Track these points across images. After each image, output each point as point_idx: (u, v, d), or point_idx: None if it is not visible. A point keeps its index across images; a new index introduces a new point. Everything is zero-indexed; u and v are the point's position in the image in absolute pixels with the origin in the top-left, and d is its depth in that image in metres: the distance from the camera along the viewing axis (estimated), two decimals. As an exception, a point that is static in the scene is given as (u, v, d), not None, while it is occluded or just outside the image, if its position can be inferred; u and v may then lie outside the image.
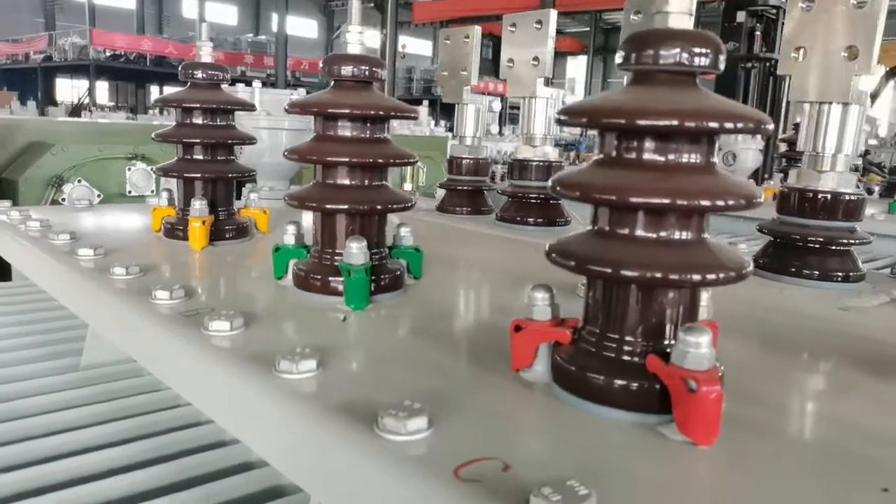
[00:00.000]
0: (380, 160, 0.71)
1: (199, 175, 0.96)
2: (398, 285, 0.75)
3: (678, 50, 0.44)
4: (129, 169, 2.65)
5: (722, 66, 0.44)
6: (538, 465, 0.39)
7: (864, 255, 1.66)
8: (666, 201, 0.43)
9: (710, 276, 0.44)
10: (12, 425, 0.70)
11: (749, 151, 2.95)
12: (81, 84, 21.30)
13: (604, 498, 0.34)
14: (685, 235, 0.45)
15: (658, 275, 0.44)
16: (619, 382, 0.46)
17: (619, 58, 0.46)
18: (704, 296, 0.53)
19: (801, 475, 0.40)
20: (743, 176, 2.82)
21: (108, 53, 19.74)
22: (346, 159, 0.70)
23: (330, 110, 0.70)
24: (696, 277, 0.44)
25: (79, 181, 2.54)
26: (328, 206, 0.71)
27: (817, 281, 0.91)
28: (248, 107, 1.00)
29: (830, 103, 0.90)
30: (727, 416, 0.46)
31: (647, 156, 0.44)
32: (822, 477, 0.40)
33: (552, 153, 1.26)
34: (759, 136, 2.97)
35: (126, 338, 0.69)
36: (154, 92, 24.89)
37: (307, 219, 0.80)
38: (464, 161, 1.39)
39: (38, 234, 0.97)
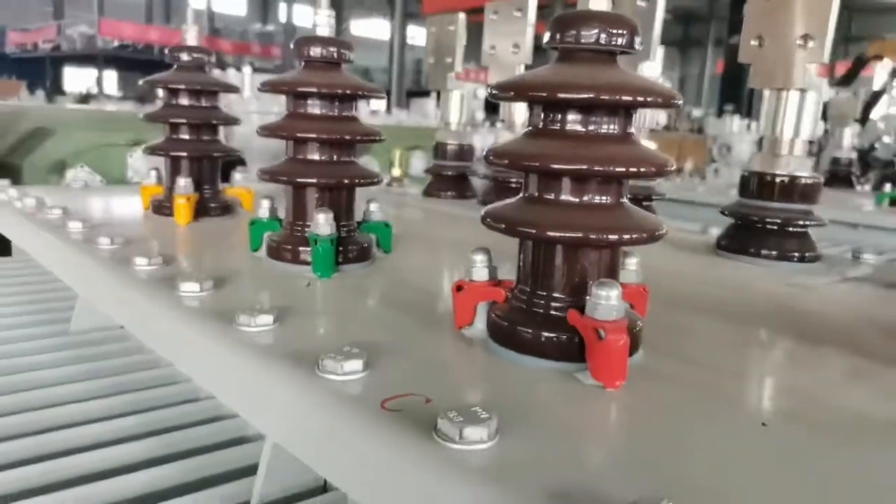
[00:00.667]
0: (346, 136, 0.75)
1: (184, 154, 1.00)
2: (366, 257, 0.79)
3: (597, 30, 0.48)
4: (131, 155, 2.70)
5: (637, 47, 0.49)
6: (456, 400, 0.44)
7: (849, 245, 1.68)
8: (585, 167, 0.47)
9: (626, 237, 0.49)
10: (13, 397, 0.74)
11: (744, 144, 2.98)
12: (89, 74, 21.39)
13: (504, 421, 0.38)
14: (604, 200, 0.49)
15: (579, 235, 0.48)
16: (544, 335, 0.50)
17: (546, 38, 0.50)
18: (633, 260, 0.58)
19: (691, 416, 0.44)
20: (738, 167, 2.85)
21: (116, 43, 19.85)
22: (315, 135, 0.74)
23: (299, 89, 0.74)
24: (613, 237, 0.48)
25: (81, 166, 2.60)
26: (298, 180, 0.75)
27: (775, 261, 0.95)
28: (232, 89, 1.04)
29: (788, 90, 0.94)
30: (645, 368, 0.50)
31: (569, 126, 0.49)
32: (711, 417, 0.44)
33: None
34: (754, 130, 3.01)
35: (108, 302, 0.74)
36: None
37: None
38: (448, 147, 1.43)
39: (33, 210, 1.02)
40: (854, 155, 2.83)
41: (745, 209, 0.98)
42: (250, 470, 0.57)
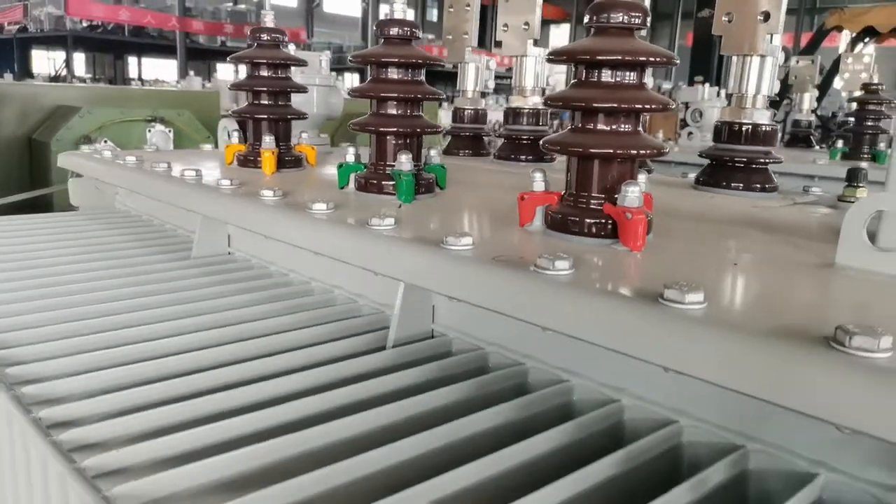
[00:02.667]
0: (418, 95, 0.98)
1: (265, 116, 1.22)
2: (431, 190, 1.03)
3: (621, 13, 0.71)
4: (149, 130, 2.89)
5: (647, 25, 0.73)
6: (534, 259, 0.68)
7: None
8: (615, 105, 0.72)
9: (643, 152, 0.73)
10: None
11: (714, 109, 3.25)
12: (58, 56, 21.02)
13: (578, 268, 0.63)
14: (627, 128, 0.74)
15: (610, 151, 0.73)
16: (587, 221, 0.74)
17: (585, 19, 0.74)
18: (642, 176, 0.82)
19: (688, 262, 0.69)
20: (709, 131, 3.12)
21: (84, 24, 19.53)
22: (395, 95, 0.97)
23: (383, 59, 0.97)
24: (634, 152, 0.73)
25: (105, 141, 2.77)
26: (382, 130, 0.99)
27: (742, 191, 1.21)
28: (301, 63, 1.26)
29: (751, 55, 1.19)
30: (655, 243, 0.75)
31: (603, 79, 0.73)
32: (700, 261, 0.69)
33: (540, 102, 1.53)
34: (723, 97, 3.27)
35: (246, 222, 0.97)
36: (132, 63, 24.60)
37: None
38: (466, 111, 1.66)
39: (137, 164, 1.24)
40: (813, 117, 3.11)
41: (719, 151, 1.23)
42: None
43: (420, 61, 0.98)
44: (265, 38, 1.21)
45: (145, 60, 24.74)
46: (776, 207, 1.11)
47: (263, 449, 0.51)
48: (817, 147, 3.04)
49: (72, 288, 0.86)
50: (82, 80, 14.72)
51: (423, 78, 1.01)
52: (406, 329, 0.77)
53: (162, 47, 21.94)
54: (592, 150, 0.73)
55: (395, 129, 0.98)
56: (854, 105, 2.43)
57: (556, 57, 0.74)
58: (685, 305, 0.52)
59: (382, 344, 0.78)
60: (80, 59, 22.63)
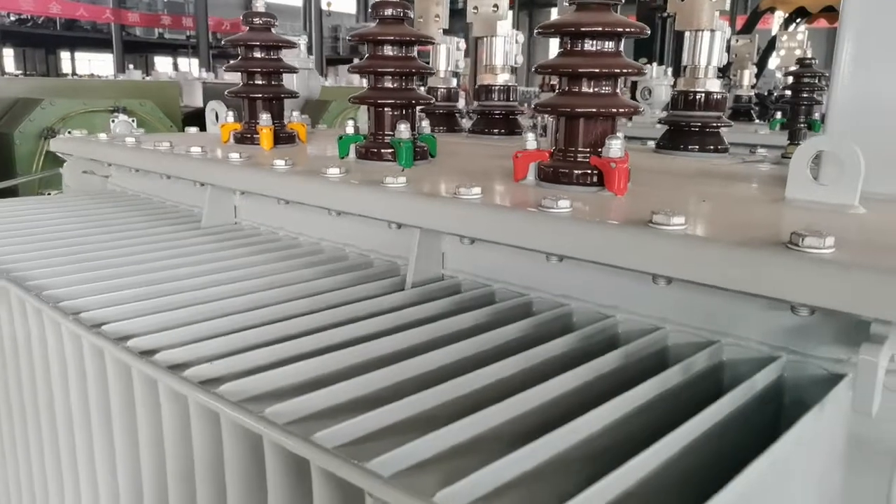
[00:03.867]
0: (412, 70, 1.08)
1: (260, 95, 1.30)
2: (425, 157, 1.13)
3: (601, -9, 0.83)
4: (113, 120, 2.88)
5: (621, 1, 0.84)
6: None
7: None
8: (596, 70, 0.83)
9: (622, 111, 0.85)
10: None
11: (662, 87, 3.43)
12: (-14, 51, 20.10)
13: (575, 208, 0.74)
14: (607, 90, 0.85)
15: (594, 110, 0.84)
16: (577, 172, 0.86)
17: (571, -4, 0.85)
18: (620, 133, 0.94)
19: (665, 201, 0.81)
20: (658, 108, 3.30)
21: (13, 18, 18.77)
22: (392, 70, 1.07)
23: (379, 38, 1.06)
24: (614, 111, 0.85)
25: (68, 132, 2.77)
26: (380, 102, 1.08)
27: (697, 153, 1.35)
28: (291, 45, 1.34)
29: (702, 31, 1.32)
30: (632, 189, 0.87)
31: (586, 48, 0.84)
32: (675, 200, 0.81)
33: (510, 79, 1.65)
34: (669, 75, 3.45)
35: (263, 189, 1.05)
36: (65, 58, 23.73)
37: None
38: (439, 90, 1.76)
39: (138, 144, 1.30)
40: (753, 93, 3.32)
41: (676, 118, 1.37)
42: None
43: (412, 38, 1.08)
44: (258, 21, 1.29)
45: (79, 55, 23.90)
46: (729, 164, 1.25)
47: (377, 376, 0.60)
48: (757, 121, 3.25)
49: (118, 261, 0.93)
50: (14, 76, 14.17)
51: (415, 54, 1.10)
52: (420, 274, 0.88)
53: (96, 41, 21.21)
54: (579, 110, 0.85)
55: (392, 101, 1.08)
56: (790, 79, 2.61)
57: (544, 30, 0.85)
58: (671, 227, 0.64)
59: (400, 287, 0.88)
60: (9, 54, 21.71)
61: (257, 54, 1.30)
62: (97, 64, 22.92)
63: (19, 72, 20.68)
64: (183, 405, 0.60)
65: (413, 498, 0.41)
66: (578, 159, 0.87)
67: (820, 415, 0.54)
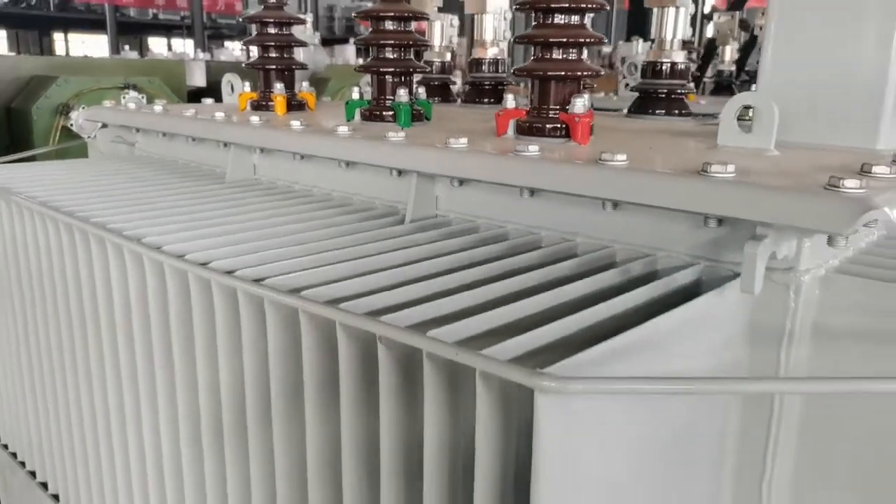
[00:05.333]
0: (410, 42, 1.25)
1: (275, 67, 1.46)
2: (421, 119, 1.29)
3: (567, -28, 0.99)
4: (124, 97, 3.03)
5: (586, -20, 1.00)
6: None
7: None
8: (565, 40, 1.00)
9: (587, 73, 1.02)
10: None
11: (648, 64, 3.60)
12: (-21, 33, 20.02)
13: (545, 148, 0.91)
14: (574, 56, 1.02)
15: (563, 73, 1.01)
16: (548, 126, 1.02)
17: (541, -23, 1.01)
18: (586, 94, 1.10)
19: (619, 148, 0.98)
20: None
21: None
22: (392, 42, 1.23)
23: (381, 14, 1.23)
24: (579, 73, 1.01)
25: (83, 108, 2.92)
26: (382, 70, 1.25)
27: (664, 117, 1.51)
28: (301, 21, 1.50)
29: (668, 7, 1.48)
30: (595, 141, 1.03)
31: (555, 21, 1.00)
32: (627, 148, 0.98)
33: (499, 52, 1.81)
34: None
35: (283, 146, 1.21)
36: (59, 40, 23.65)
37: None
38: (434, 63, 1.92)
39: (162, 111, 1.46)
40: (734, 67, 3.48)
41: (645, 86, 1.53)
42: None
43: (409, 14, 1.24)
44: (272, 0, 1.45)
45: (73, 36, 23.80)
46: (688, 125, 1.42)
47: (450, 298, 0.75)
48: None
49: (166, 209, 1.10)
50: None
51: (413, 28, 1.27)
52: (417, 213, 1.05)
53: (90, 22, 21.13)
54: (549, 73, 1.01)
55: (392, 69, 1.25)
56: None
57: (521, 6, 1.02)
58: (615, 162, 0.81)
59: (400, 223, 1.05)
60: (1, 36, 21.64)
61: (272, 30, 1.46)
62: (91, 45, 22.85)
63: (13, 53, 20.61)
64: (294, 321, 0.74)
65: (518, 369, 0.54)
66: (549, 115, 1.04)
67: (718, 297, 0.71)
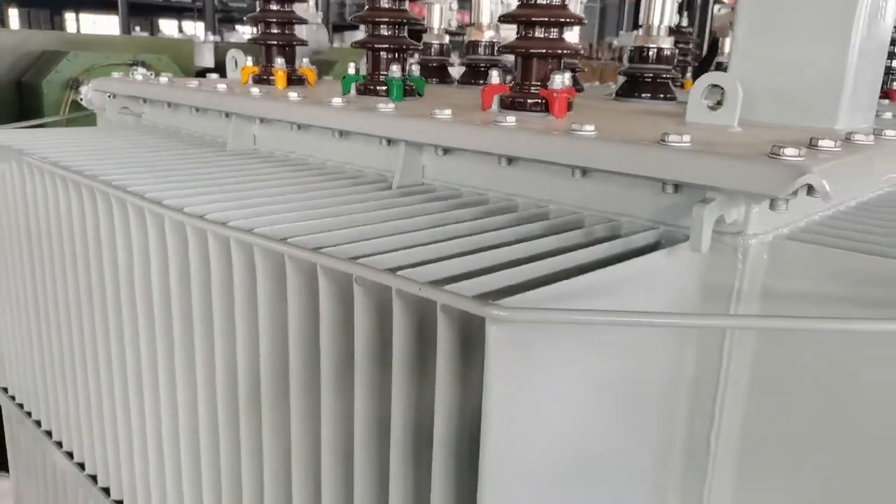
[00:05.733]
0: (403, 20, 1.31)
1: (276, 42, 1.53)
2: (413, 94, 1.36)
3: (550, -45, 1.05)
4: (132, 73, 3.10)
5: (568, -37, 1.06)
6: (497, 120, 1.02)
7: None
8: (547, 19, 1.06)
9: (566, 51, 1.08)
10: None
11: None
12: (-8, 11, 20.06)
13: (522, 120, 0.97)
14: (554, 35, 1.08)
15: (544, 51, 1.07)
16: (529, 101, 1.09)
17: (526, -41, 1.07)
18: (567, 72, 1.17)
19: (592, 122, 1.04)
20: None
21: (19, -23, 18.73)
22: (386, 19, 1.30)
23: (377, -7, 1.29)
24: (559, 51, 1.07)
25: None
26: (377, 46, 1.31)
27: (649, 100, 1.57)
28: (304, 0, 1.56)
29: (656, -6, 1.54)
30: (573, 113, 1.10)
31: (538, 1, 1.06)
32: (600, 122, 1.04)
33: (495, 36, 1.87)
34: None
35: (281, 115, 1.28)
36: (69, 19, 23.70)
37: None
38: (433, 45, 1.98)
39: (169, 83, 1.53)
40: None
41: (632, 70, 1.59)
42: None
43: (405, -6, 1.30)
44: (274, -22, 1.51)
45: (84, 16, 23.84)
46: (669, 107, 1.48)
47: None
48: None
49: (175, 172, 1.16)
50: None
51: (406, 7, 1.33)
52: (405, 181, 1.11)
53: (101, 2, 21.16)
54: (532, 51, 1.07)
55: (386, 46, 1.31)
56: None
57: (507, -14, 1.08)
58: (583, 132, 0.87)
59: (388, 189, 1.11)
60: (13, 14, 21.69)
61: (273, 6, 1.52)
62: (102, 26, 22.89)
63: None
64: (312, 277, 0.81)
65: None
66: (531, 91, 1.10)
67: (670, 255, 0.78)
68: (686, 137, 0.80)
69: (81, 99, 3.02)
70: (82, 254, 1.18)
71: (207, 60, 4.45)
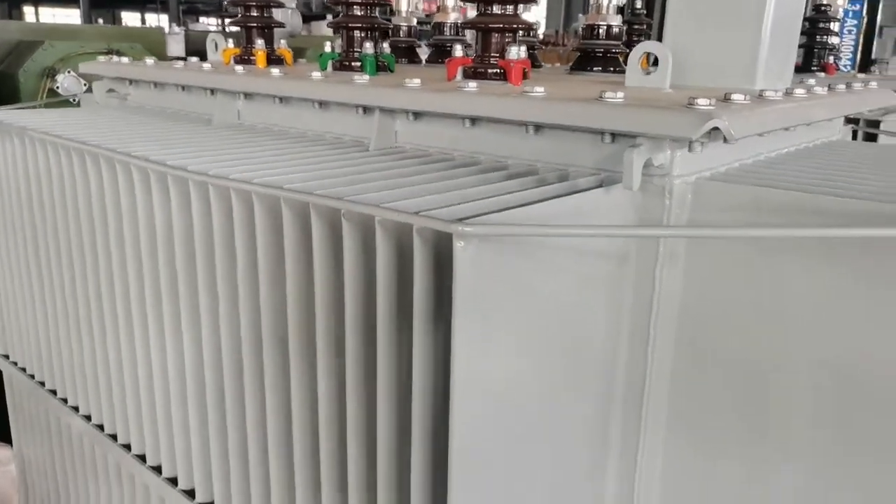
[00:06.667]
0: (374, 2, 1.44)
1: (255, 25, 1.64)
2: (385, 70, 1.49)
3: (504, -59, 1.19)
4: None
5: (520, -53, 1.20)
6: (461, 87, 1.16)
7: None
8: (502, -2, 1.20)
9: (521, 26, 1.22)
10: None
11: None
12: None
13: (482, 89, 1.11)
14: (510, 11, 1.22)
15: (500, 26, 1.21)
16: (489, 70, 1.23)
17: (483, -56, 1.21)
18: (523, 47, 1.30)
19: (544, 87, 1.19)
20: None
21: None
22: (360, 1, 1.42)
23: (349, -23, 1.41)
24: (515, 26, 1.21)
25: (69, 72, 3.06)
26: (351, 25, 1.44)
27: (600, 73, 1.72)
28: (279, -17, 1.68)
29: (604, -25, 1.68)
30: (528, 83, 1.24)
31: (494, -18, 1.20)
32: (550, 88, 1.19)
33: (459, 17, 2.00)
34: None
35: (265, 89, 1.40)
36: (28, 13, 23.21)
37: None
38: (402, 27, 2.11)
39: (158, 65, 1.64)
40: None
41: (584, 46, 1.74)
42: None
43: (375, -22, 1.43)
44: (253, -38, 1.62)
45: (43, 9, 23.38)
46: (615, 77, 1.63)
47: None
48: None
49: (173, 141, 1.28)
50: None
51: (378, -8, 1.46)
52: (379, 144, 1.25)
53: (62, -6, 20.78)
54: (490, 25, 1.21)
55: (359, 25, 1.44)
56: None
57: (466, -32, 1.21)
58: (534, 93, 1.02)
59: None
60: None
61: (253, -10, 1.63)
62: (62, 18, 22.46)
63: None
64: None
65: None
66: (490, 62, 1.24)
67: (607, 193, 0.92)
68: (620, 94, 0.95)
69: (58, 87, 3.10)
70: (87, 220, 1.29)
71: (178, 50, 4.49)
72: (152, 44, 3.57)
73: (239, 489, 1.16)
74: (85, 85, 3.08)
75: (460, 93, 1.08)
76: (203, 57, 1.91)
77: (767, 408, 0.96)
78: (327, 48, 1.48)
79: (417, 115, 1.20)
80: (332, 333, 0.93)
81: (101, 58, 1.90)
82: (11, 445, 2.04)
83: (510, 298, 0.82)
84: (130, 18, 22.89)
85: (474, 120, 1.12)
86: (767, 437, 0.97)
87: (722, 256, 0.96)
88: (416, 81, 1.17)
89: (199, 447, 1.22)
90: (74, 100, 3.08)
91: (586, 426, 1.03)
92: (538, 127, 1.05)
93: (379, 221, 0.80)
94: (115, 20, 21.52)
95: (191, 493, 1.25)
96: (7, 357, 1.75)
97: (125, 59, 1.90)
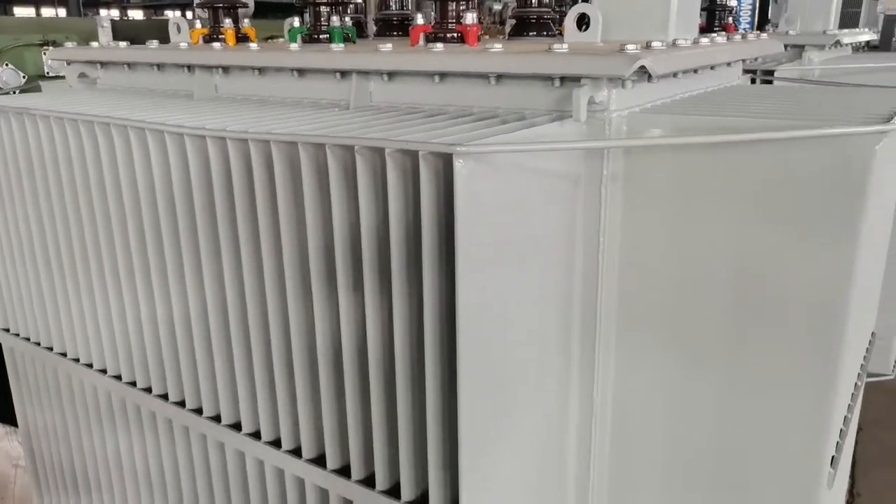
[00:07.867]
0: (338, -20, 1.61)
1: (222, 5, 1.79)
2: (349, 41, 1.67)
3: (454, -78, 1.39)
4: (45, 53, 3.18)
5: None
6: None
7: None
8: (455, -28, 1.40)
9: (472, -4, 1.42)
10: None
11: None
12: None
13: (447, 49, 1.31)
14: (463, -16, 1.42)
15: (456, -4, 1.41)
16: (448, 35, 1.43)
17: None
18: (475, 13, 1.51)
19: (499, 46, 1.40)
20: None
21: None
22: (324, -20, 1.59)
23: (313, -42, 1.58)
24: (467, -4, 1.42)
25: (6, 65, 3.05)
26: (318, 1, 1.61)
27: (536, 37, 1.95)
28: (242, -33, 1.82)
29: (533, -50, 1.90)
30: (481, 45, 1.44)
31: (448, -42, 1.40)
32: (509, 46, 1.40)
33: (402, -8, 2.18)
34: None
35: (247, 62, 1.55)
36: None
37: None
38: (349, 3, 2.27)
39: (132, 48, 1.76)
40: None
41: (519, 13, 1.96)
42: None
43: (336, -42, 1.60)
44: (214, -55, 1.76)
45: (19, 11, 21.86)
46: (551, 39, 1.86)
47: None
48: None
49: (165, 109, 1.42)
50: None
51: (339, -32, 1.63)
52: (357, 104, 1.43)
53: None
54: (447, -4, 1.42)
55: (326, 0, 1.61)
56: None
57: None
58: (495, 49, 1.23)
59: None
60: None
61: (216, -29, 1.77)
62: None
63: None
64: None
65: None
66: (448, 27, 1.44)
67: (561, 125, 1.15)
68: (564, 46, 1.17)
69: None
70: (132, 197, 1.43)
71: (107, 40, 4.47)
72: (86, 33, 3.57)
73: (265, 409, 1.34)
74: (24, 77, 3.09)
75: (431, 53, 1.28)
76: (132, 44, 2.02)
77: (690, 316, 1.22)
78: (295, 23, 1.65)
79: (391, 75, 1.39)
80: (350, 258, 1.12)
81: (69, 43, 1.98)
82: (3, 424, 2.13)
83: (499, 210, 1.03)
84: (23, 12, 21.68)
85: (443, 76, 1.32)
86: (691, 343, 1.22)
87: (652, 179, 1.21)
88: (389, 46, 1.36)
89: (223, 371, 1.39)
90: (14, 93, 3.08)
91: (557, 333, 1.26)
92: (499, 77, 1.26)
93: (388, 153, 1.00)
94: (6, 12, 20.34)
95: (216, 419, 1.43)
96: (7, 330, 1.84)
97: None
